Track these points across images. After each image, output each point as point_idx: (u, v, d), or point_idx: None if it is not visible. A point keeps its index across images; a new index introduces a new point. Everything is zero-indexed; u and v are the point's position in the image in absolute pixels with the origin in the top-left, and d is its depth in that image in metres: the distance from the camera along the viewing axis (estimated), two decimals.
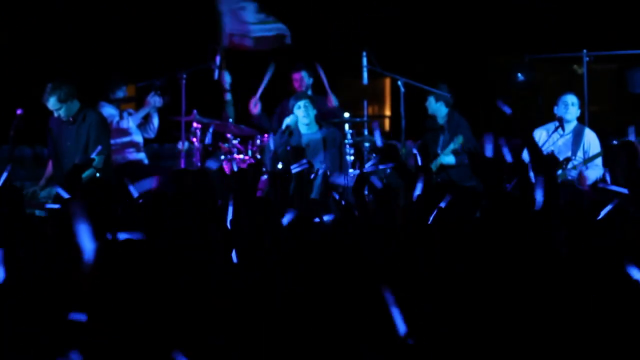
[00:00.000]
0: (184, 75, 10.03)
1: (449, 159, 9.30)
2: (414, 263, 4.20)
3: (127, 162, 9.53)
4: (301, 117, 9.02)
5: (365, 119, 10.49)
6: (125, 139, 9.56)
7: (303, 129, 9.06)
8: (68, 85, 8.62)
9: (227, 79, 10.20)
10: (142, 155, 9.71)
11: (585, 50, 10.08)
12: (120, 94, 9.72)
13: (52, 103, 8.55)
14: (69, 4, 12.64)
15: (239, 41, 10.31)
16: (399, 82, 10.14)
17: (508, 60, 11.08)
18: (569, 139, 9.11)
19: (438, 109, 9.64)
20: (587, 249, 4.19)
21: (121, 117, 9.59)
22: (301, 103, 9.03)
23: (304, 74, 10.38)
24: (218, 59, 10.17)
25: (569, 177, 8.92)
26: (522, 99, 11.63)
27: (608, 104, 13.14)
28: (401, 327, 3.43)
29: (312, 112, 9.04)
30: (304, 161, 6.02)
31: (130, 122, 9.60)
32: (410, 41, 13.13)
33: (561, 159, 8.89)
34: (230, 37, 10.26)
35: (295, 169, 5.55)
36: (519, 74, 10.33)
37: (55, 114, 8.66)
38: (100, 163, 8.51)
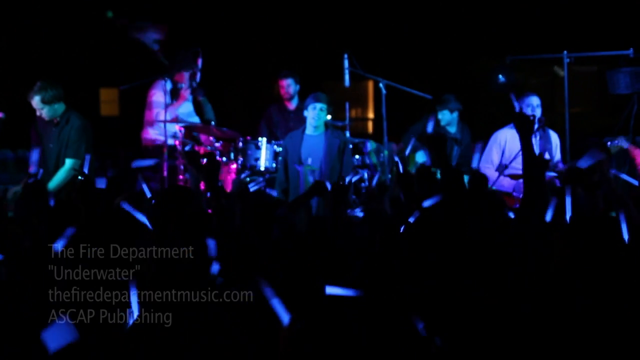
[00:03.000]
0: (167, 79, 10.07)
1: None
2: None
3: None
4: (311, 118, 9.03)
5: (347, 121, 10.52)
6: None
7: (309, 130, 9.07)
8: (55, 88, 8.66)
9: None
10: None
11: (565, 52, 10.12)
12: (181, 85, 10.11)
13: (35, 101, 8.60)
14: (52, 9, 12.63)
15: None
16: (381, 84, 10.17)
17: (489, 61, 11.11)
18: (538, 140, 9.15)
19: (453, 119, 9.73)
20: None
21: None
22: (318, 105, 9.02)
23: (290, 81, 10.47)
24: (200, 62, 10.21)
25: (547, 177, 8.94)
26: (504, 101, 11.65)
27: (589, 106, 13.21)
28: (284, 317, 3.44)
29: (324, 118, 9.05)
30: (261, 179, 6.13)
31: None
32: (392, 43, 13.16)
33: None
34: None
35: (252, 187, 5.61)
36: (500, 76, 10.35)
37: (38, 113, 8.69)
38: (77, 165, 8.58)
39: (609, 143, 9.05)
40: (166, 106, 9.84)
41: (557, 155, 9.16)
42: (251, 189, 5.61)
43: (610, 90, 10.38)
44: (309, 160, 8.84)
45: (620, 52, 10.23)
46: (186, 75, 10.10)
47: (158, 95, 9.97)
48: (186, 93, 10.03)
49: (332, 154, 8.97)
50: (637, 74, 10.17)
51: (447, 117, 9.80)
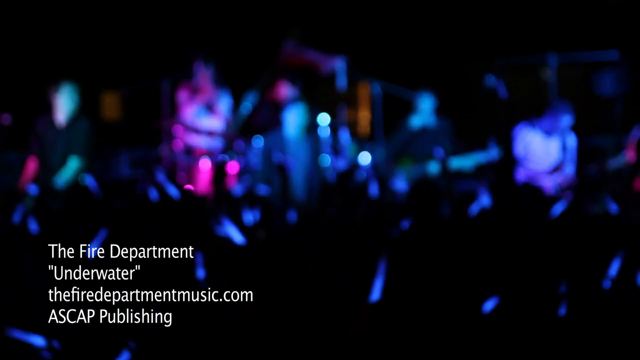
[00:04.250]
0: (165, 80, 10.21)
1: (468, 162, 9.43)
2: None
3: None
4: (290, 120, 9.24)
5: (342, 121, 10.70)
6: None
7: (288, 131, 9.24)
8: None
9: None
10: None
11: (554, 54, 10.25)
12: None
13: (68, 89, 8.79)
14: (52, 13, 12.75)
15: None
16: (375, 87, 10.28)
17: (480, 64, 11.22)
18: (560, 141, 9.33)
19: (432, 109, 9.83)
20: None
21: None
22: (297, 109, 9.20)
23: (284, 84, 10.60)
24: (199, 65, 10.35)
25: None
26: (493, 103, 11.75)
27: (576, 106, 13.29)
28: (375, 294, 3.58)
29: (303, 121, 9.23)
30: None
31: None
32: (386, 46, 13.27)
33: (556, 163, 9.10)
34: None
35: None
36: (490, 78, 10.47)
37: (75, 101, 8.86)
38: (83, 165, 8.77)
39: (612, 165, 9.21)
40: (186, 107, 10.08)
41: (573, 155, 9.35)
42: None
43: (597, 91, 10.49)
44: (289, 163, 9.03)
45: (606, 53, 10.37)
46: (206, 76, 10.21)
47: (179, 97, 10.17)
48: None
49: (315, 156, 9.22)
50: (622, 76, 10.33)
51: (430, 104, 9.83)
